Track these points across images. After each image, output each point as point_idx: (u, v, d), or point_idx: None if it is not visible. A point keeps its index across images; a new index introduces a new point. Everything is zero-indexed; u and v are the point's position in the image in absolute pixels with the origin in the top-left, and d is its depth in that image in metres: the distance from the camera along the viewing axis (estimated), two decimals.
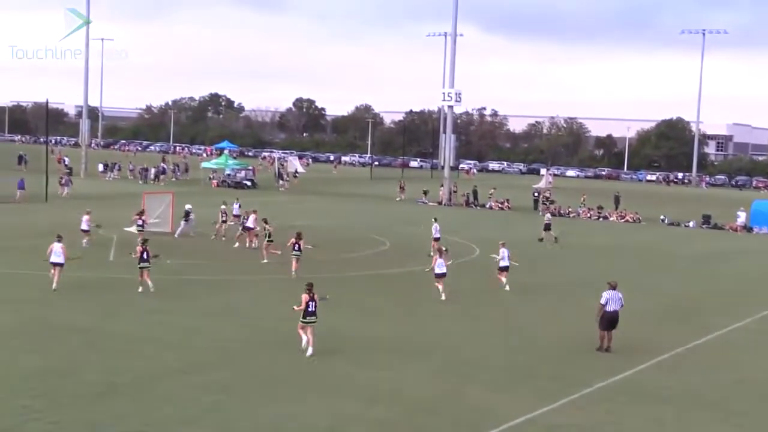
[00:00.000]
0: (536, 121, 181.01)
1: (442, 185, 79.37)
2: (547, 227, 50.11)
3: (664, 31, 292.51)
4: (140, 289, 28.72)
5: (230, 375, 19.87)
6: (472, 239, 47.92)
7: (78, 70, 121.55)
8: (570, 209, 71.10)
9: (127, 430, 16.10)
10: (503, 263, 32.97)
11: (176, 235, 43.21)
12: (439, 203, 75.93)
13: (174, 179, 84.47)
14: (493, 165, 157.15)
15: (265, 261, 36.29)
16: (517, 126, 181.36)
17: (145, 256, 28.96)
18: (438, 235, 41.59)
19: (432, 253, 35.61)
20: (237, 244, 40.67)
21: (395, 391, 19.17)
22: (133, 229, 40.16)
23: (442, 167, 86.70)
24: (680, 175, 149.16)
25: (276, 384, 19.32)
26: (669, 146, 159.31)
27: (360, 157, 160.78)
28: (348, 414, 17.53)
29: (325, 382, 19.64)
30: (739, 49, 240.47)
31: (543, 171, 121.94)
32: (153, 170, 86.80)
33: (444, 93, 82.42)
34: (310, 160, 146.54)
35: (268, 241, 37.15)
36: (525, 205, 72.72)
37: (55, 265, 28.75)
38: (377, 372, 20.69)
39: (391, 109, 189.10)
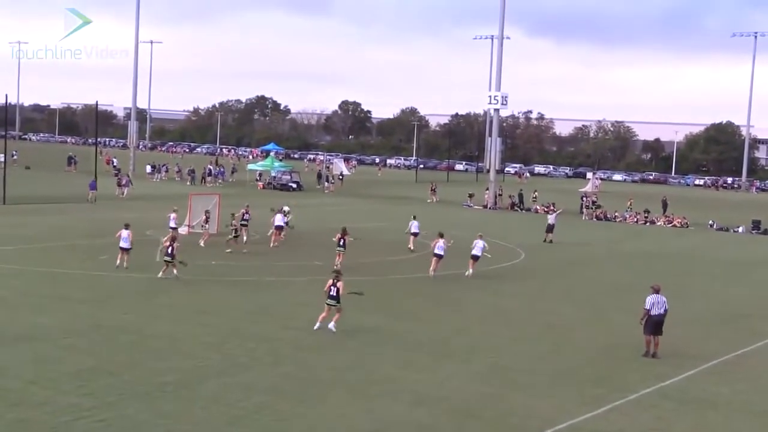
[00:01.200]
0: (583, 125, 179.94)
1: (487, 189, 79.12)
2: (550, 229, 50.00)
3: (714, 33, 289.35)
4: (160, 275, 30.92)
5: (274, 376, 19.95)
6: (516, 243, 47.73)
7: (127, 72, 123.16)
8: (617, 213, 70.54)
9: (174, 430, 16.24)
10: (475, 252, 35.50)
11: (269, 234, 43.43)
12: (485, 207, 75.70)
13: (220, 182, 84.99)
14: (539, 168, 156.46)
15: (229, 251, 38.14)
16: (563, 129, 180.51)
17: (170, 251, 30.96)
18: (416, 231, 42.51)
19: (412, 248, 40.67)
20: (273, 244, 41.14)
21: (438, 394, 19.14)
22: (184, 230, 40.93)
23: (488, 171, 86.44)
24: (729, 179, 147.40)
25: (319, 385, 19.35)
26: (718, 150, 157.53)
27: (405, 159, 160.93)
28: (391, 417, 17.53)
29: (368, 385, 19.66)
30: None
31: (589, 175, 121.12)
32: (208, 168, 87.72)
33: (490, 96, 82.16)
34: (356, 162, 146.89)
35: (234, 237, 39.36)
36: (571, 209, 72.22)
37: (122, 249, 32.91)
38: (420, 374, 20.66)
39: (437, 112, 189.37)
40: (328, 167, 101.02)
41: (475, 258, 35.50)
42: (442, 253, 34.64)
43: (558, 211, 57.81)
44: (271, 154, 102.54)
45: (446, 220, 56.11)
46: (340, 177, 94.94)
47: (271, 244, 40.95)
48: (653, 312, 23.42)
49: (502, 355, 23.16)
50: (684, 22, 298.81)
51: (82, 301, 27.19)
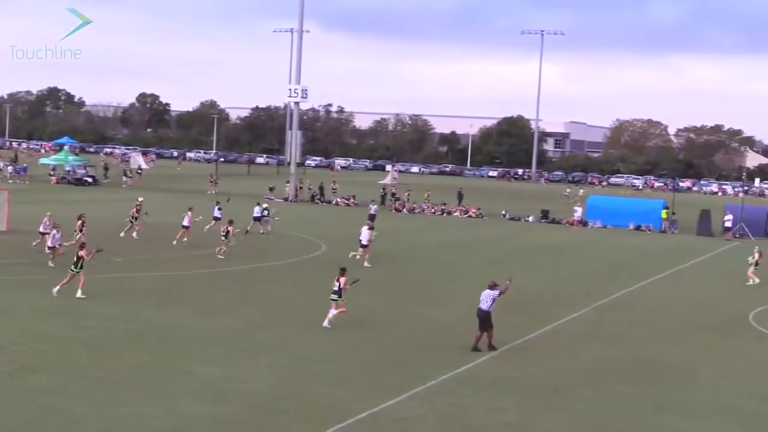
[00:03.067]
0: (382, 118, 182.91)
1: (288, 182, 79.27)
2: (371, 218, 51.30)
3: (504, 31, 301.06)
4: None
5: (64, 377, 19.25)
6: (317, 235, 48.13)
7: None
8: (415, 205, 72.26)
9: None
10: (364, 241, 39.08)
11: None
12: (285, 199, 75.80)
13: (10, 176, 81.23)
14: (340, 161, 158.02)
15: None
16: (363, 123, 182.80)
17: None
18: (218, 215, 45.56)
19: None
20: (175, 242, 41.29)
21: (241, 390, 19.06)
22: None
23: (289, 163, 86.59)
24: (520, 171, 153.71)
25: (115, 385, 18.85)
26: (510, 143, 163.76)
27: (205, 153, 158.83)
28: (192, 414, 17.31)
29: (167, 382, 19.31)
30: (575, 50, 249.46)
31: (388, 167, 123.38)
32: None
33: (290, 89, 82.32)
34: (155, 156, 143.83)
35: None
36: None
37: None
38: (222, 370, 20.50)
39: (237, 105, 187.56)
40: (126, 161, 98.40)
41: (365, 246, 38.87)
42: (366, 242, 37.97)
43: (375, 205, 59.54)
44: (65, 147, 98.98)
45: (248, 213, 55.77)
46: (139, 171, 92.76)
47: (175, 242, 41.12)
48: (480, 307, 24.05)
49: (305, 347, 23.29)
50: (474, 19, 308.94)
51: None
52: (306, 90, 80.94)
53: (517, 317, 28.99)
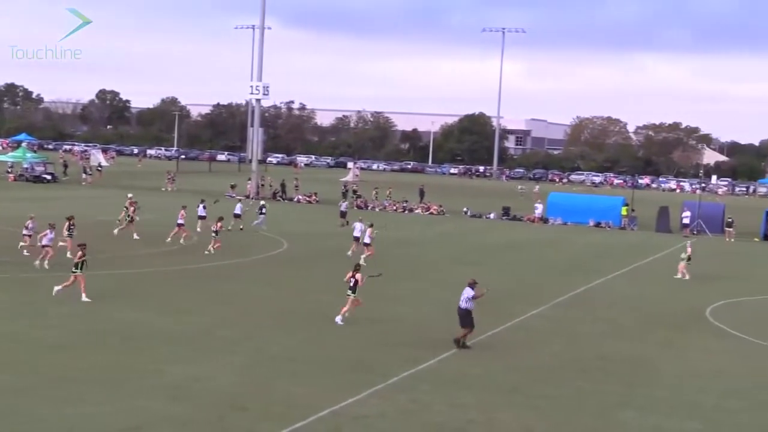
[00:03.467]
0: (344, 115, 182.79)
1: (249, 179, 78.93)
2: (343, 215, 51.78)
3: (465, 29, 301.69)
4: None
5: (22, 377, 19.03)
6: (279, 233, 47.99)
7: None
8: (377, 202, 72.27)
9: None
10: (356, 233, 40.94)
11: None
12: (247, 197, 75.43)
13: None
14: (302, 158, 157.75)
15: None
16: (324, 120, 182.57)
17: None
18: (203, 214, 46.61)
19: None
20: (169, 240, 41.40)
21: (200, 388, 18.95)
22: None
23: (250, 161, 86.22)
24: (482, 168, 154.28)
25: (73, 385, 18.66)
26: (471, 140, 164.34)
27: (166, 150, 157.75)
28: (151, 413, 17.18)
29: (126, 381, 19.13)
30: (537, 48, 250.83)
31: (350, 164, 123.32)
32: None
33: (252, 86, 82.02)
34: (115, 153, 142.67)
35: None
36: (333, 198, 73.19)
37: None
38: (182, 368, 20.36)
39: (199, 101, 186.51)
40: (85, 158, 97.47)
41: (357, 239, 40.62)
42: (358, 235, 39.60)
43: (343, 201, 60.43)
44: (23, 144, 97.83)
45: (212, 211, 55.45)
46: (99, 168, 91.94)
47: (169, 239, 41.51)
48: (459, 304, 24.04)
49: (265, 345, 23.21)
50: (434, 17, 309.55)
51: None
52: (268, 87, 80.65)
53: (479, 314, 28.97)
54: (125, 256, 36.81)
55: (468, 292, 23.96)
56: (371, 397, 19.06)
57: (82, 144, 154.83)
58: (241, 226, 48.45)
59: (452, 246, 48.91)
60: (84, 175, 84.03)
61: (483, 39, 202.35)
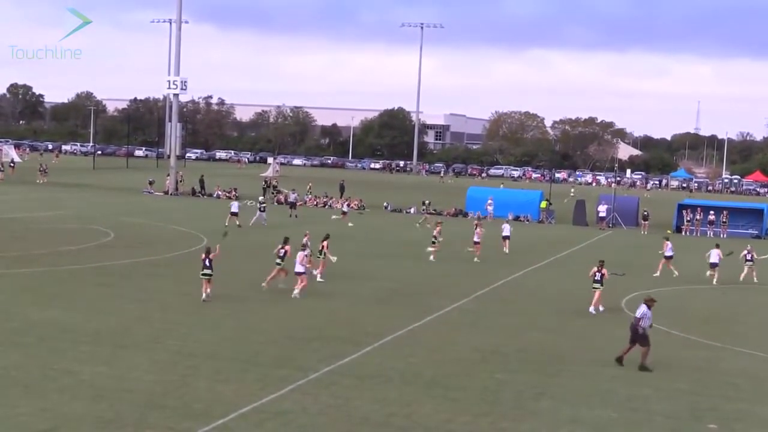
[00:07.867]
0: (263, 110, 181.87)
1: (168, 175, 78.07)
2: (293, 206, 53.98)
3: (383, 24, 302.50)
4: None
5: None
6: (198, 229, 47.61)
7: None
8: (297, 197, 71.98)
9: None
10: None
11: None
12: (166, 193, 74.68)
13: None
14: (221, 154, 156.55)
15: None
16: (244, 115, 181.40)
17: None
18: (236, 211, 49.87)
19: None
20: None
21: (119, 387, 18.73)
22: None
23: (169, 156, 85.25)
24: (402, 163, 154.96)
25: None
26: (391, 135, 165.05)
27: (82, 146, 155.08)
28: (69, 413, 16.94)
29: (43, 381, 18.84)
30: (454, 43, 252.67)
31: (270, 160, 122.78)
32: None
33: (169, 81, 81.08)
34: (28, 148, 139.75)
35: None
36: (253, 193, 72.73)
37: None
38: (100, 367, 20.11)
39: (115, 96, 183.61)
40: None
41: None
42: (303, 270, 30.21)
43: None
44: None
45: (126, 208, 54.91)
46: (12, 164, 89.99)
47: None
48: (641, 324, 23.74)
49: (184, 342, 23.03)
50: (345, 13, 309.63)
51: None
52: (185, 81, 79.82)
53: (399, 309, 29.25)
54: (31, 255, 36.10)
55: (646, 312, 23.51)
56: (293, 392, 19.07)
57: None
58: (238, 223, 49.87)
59: (372, 241, 49.02)
60: None
61: (401, 35, 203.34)
